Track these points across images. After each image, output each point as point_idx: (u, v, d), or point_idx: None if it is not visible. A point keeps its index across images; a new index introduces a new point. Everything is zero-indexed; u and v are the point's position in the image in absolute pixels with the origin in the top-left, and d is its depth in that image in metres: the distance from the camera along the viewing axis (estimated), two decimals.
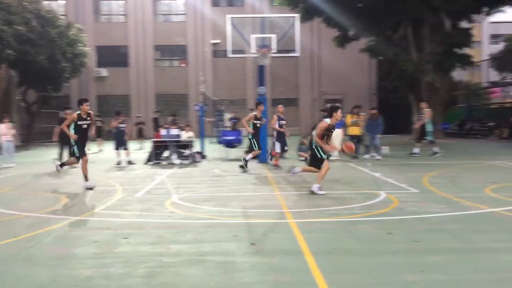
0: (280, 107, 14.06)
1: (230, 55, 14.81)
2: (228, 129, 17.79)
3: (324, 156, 8.58)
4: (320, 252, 4.89)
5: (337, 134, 15.65)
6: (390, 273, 4.27)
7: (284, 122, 13.87)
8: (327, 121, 8.59)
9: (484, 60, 37.61)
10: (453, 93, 35.35)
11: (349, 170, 12.55)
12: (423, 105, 16.85)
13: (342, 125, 15.66)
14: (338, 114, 8.57)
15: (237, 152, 16.67)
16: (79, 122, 9.70)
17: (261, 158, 14.54)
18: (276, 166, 13.21)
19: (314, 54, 37.69)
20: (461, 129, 30.69)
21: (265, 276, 4.24)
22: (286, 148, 13.68)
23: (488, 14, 27.82)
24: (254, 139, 12.96)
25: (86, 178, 9.79)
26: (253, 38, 14.18)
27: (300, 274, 4.27)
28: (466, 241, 5.34)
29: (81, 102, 9.86)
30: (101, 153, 20.03)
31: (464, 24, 27.21)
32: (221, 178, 11.45)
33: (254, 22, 15.17)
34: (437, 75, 25.18)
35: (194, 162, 15.05)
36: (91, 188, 9.63)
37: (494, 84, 36.30)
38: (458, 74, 35.45)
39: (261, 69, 14.95)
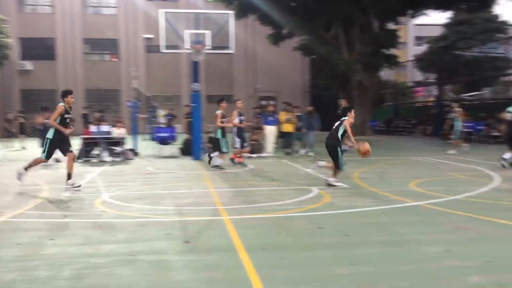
0: (239, 103, 13.89)
1: (163, 50, 14.53)
2: (162, 125, 17.44)
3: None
4: (254, 248, 4.92)
5: (272, 131, 15.88)
6: (321, 267, 4.36)
7: (243, 117, 13.69)
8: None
9: (409, 61, 39.48)
10: (381, 92, 36.88)
11: (283, 167, 12.74)
12: (343, 102, 17.16)
13: (277, 122, 15.90)
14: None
15: (171, 149, 16.42)
16: (65, 115, 8.89)
17: (195, 156, 14.42)
18: (241, 163, 12.96)
19: (249, 51, 37.85)
20: (388, 127, 32.06)
21: (198, 274, 4.20)
22: (245, 144, 13.51)
23: (413, 16, 29.30)
24: (224, 139, 12.46)
25: (69, 176, 8.95)
26: (187, 33, 14.00)
27: (234, 271, 4.27)
28: (393, 234, 5.58)
29: (65, 94, 9.05)
30: (24, 150, 19.00)
31: (391, 26, 28.46)
32: (154, 176, 11.22)
33: (188, 18, 14.96)
34: (367, 74, 26.16)
35: (126, 159, 14.64)
36: (77, 187, 8.93)
37: (418, 83, 38.24)
38: (386, 74, 37.02)
39: (195, 65, 14.80)
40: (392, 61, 26.93)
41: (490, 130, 21.33)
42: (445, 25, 37.36)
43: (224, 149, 12.38)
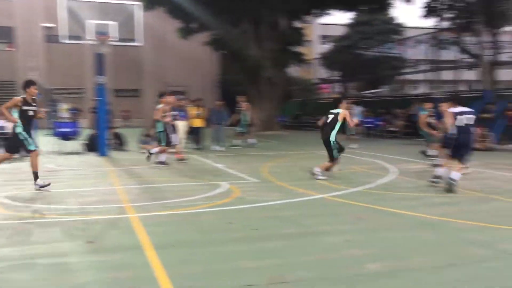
0: (173, 98, 13.47)
1: (64, 41, 13.73)
2: (64, 120, 16.51)
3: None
4: (162, 246, 4.84)
5: (182, 126, 15.69)
6: (230, 261, 4.41)
7: (176, 113, 13.27)
8: None
9: (315, 59, 41.03)
10: (289, 88, 37.96)
11: (192, 162, 12.65)
12: (241, 98, 17.42)
13: (186, 117, 15.75)
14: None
15: (74, 145, 15.62)
16: (24, 108, 8.02)
17: (101, 152, 13.86)
18: (181, 159, 12.56)
19: (158, 44, 37.04)
20: (296, 122, 33.08)
21: (103, 274, 4.05)
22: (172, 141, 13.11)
23: (318, 16, 30.48)
24: (165, 133, 11.91)
25: (36, 176, 8.14)
26: (91, 24, 13.37)
27: (141, 270, 4.17)
28: (299, 226, 5.78)
29: (27, 84, 8.16)
30: None
31: (297, 24, 29.37)
32: (56, 173, 10.61)
33: (92, 7, 14.25)
34: (275, 70, 26.76)
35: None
36: (46, 186, 8.14)
37: (324, 80, 39.90)
38: (293, 70, 38.15)
39: (99, 57, 14.18)
40: (299, 58, 27.82)
41: (387, 125, 22.80)
42: (348, 25, 39.34)
43: (163, 143, 11.98)
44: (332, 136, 9.48)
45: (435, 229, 5.63)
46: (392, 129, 22.68)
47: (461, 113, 8.51)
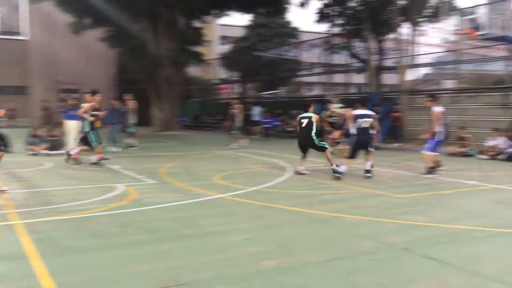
0: (98, 96, 12.46)
1: None
2: None
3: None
4: (50, 254, 4.53)
5: (74, 126, 14.85)
6: (124, 266, 4.25)
7: (97, 112, 12.32)
8: None
9: (214, 59, 41.13)
10: (189, 87, 37.63)
11: (87, 164, 12.03)
12: (128, 96, 16.90)
13: (79, 117, 14.93)
14: None
15: None
16: None
17: None
18: (101, 160, 11.68)
19: (49, 39, 34.68)
20: (196, 122, 32.92)
21: None
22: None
23: (217, 16, 30.61)
24: (93, 132, 11.37)
25: None
26: None
27: (25, 280, 3.86)
28: (197, 227, 5.73)
29: None
30: None
31: (197, 24, 29.23)
32: None
33: None
34: (173, 70, 26.38)
35: None
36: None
37: (223, 81, 40.15)
38: (193, 70, 37.92)
39: None
40: (198, 58, 27.69)
41: (284, 126, 23.52)
42: (247, 27, 39.95)
43: (94, 143, 11.40)
44: (314, 137, 9.97)
45: (328, 224, 5.90)
46: (289, 129, 23.44)
47: (362, 116, 9.47)
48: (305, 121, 10.22)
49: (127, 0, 23.18)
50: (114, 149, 15.09)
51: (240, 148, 16.32)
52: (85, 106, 11.61)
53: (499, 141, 13.89)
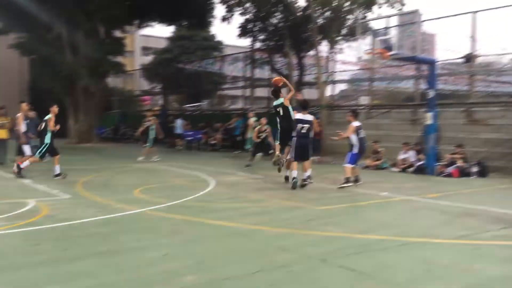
0: (25, 105, 11.46)
1: None
2: None
3: None
4: None
5: None
6: (35, 287, 4.00)
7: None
8: None
9: (136, 70, 40.28)
10: (109, 98, 36.45)
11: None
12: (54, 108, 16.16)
13: None
14: None
15: None
16: None
17: None
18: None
19: None
20: (116, 134, 31.91)
21: None
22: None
23: (139, 27, 30.05)
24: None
25: None
26: None
27: None
28: (114, 243, 5.53)
29: None
30: None
31: (118, 33, 28.49)
32: None
33: None
34: (93, 80, 25.46)
35: None
36: None
37: (145, 92, 39.35)
38: (114, 81, 36.81)
39: None
40: (119, 69, 26.93)
41: (208, 139, 23.47)
42: (169, 39, 39.59)
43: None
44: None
45: (249, 237, 5.94)
46: (211, 142, 23.41)
47: (300, 121, 9.92)
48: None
49: (43, 6, 22.13)
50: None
51: (153, 162, 15.83)
52: (52, 119, 11.51)
53: (409, 155, 14.80)
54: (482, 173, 13.54)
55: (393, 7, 18.10)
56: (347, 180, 10.45)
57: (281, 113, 10.06)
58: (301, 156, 10.24)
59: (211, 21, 27.87)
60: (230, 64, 29.85)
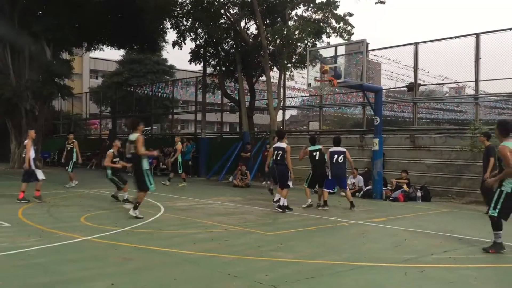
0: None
1: None
2: None
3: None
4: None
5: None
6: None
7: None
8: None
9: (84, 92, 39.36)
10: (54, 122, 35.31)
11: None
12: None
13: None
14: None
15: None
16: None
17: None
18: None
19: None
20: (61, 158, 30.83)
21: None
22: None
23: (88, 49, 29.47)
24: None
25: None
26: None
27: None
28: (57, 274, 5.26)
29: None
30: None
31: (65, 55, 27.81)
32: None
33: None
34: (37, 103, 24.59)
35: None
36: None
37: (94, 116, 38.43)
38: (60, 104, 35.77)
39: None
40: (66, 92, 26.16)
41: (158, 163, 23.10)
42: (119, 62, 39.10)
43: None
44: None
45: (199, 264, 5.82)
46: (162, 166, 23.06)
47: (276, 148, 10.25)
48: (318, 154, 11.26)
49: None
50: None
51: (71, 187, 15.28)
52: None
53: (357, 180, 15.14)
54: (426, 197, 14.04)
55: (341, 37, 18.71)
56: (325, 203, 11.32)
57: (317, 157, 11.36)
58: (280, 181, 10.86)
59: (162, 45, 27.77)
60: (182, 88, 29.73)
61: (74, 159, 15.93)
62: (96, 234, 7.47)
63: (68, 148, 16.15)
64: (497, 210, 6.56)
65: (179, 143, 17.69)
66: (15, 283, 4.81)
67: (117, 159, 11.96)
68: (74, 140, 16.25)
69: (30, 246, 6.49)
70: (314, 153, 11.44)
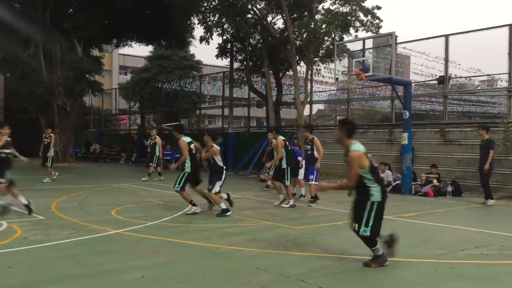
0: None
1: None
2: None
3: None
4: None
5: None
6: None
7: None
8: None
9: (114, 88, 40.03)
10: (85, 117, 36.03)
11: None
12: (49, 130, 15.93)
13: None
14: None
15: None
16: None
17: None
18: None
19: None
20: (92, 153, 31.51)
21: None
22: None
23: (117, 46, 29.96)
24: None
25: None
26: None
27: None
28: (89, 266, 5.40)
29: None
30: None
31: (95, 52, 28.35)
32: None
33: None
34: (69, 99, 25.17)
35: None
36: None
37: (123, 111, 39.08)
38: (90, 100, 36.48)
39: None
40: (96, 88, 26.70)
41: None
42: (148, 58, 39.54)
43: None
44: None
45: (227, 258, 5.89)
46: None
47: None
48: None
49: (19, 24, 21.93)
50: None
51: (49, 182, 14.97)
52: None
53: (386, 174, 14.96)
54: (457, 193, 13.78)
55: (369, 30, 18.48)
56: (313, 198, 10.97)
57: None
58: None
59: (190, 41, 27.98)
60: (209, 83, 29.90)
61: (52, 154, 15.35)
62: (126, 227, 7.62)
63: (45, 143, 15.47)
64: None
65: (157, 136, 17.19)
66: (51, 275, 4.97)
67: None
68: (52, 135, 15.68)
69: (63, 239, 6.68)
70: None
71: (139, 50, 60.46)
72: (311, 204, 10.70)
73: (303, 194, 12.13)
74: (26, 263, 5.41)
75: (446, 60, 16.29)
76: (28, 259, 5.61)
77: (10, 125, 9.31)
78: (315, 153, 10.87)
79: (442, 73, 16.49)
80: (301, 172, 11.87)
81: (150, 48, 36.78)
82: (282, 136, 10.83)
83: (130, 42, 28.91)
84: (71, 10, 25.62)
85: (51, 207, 9.72)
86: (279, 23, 21.97)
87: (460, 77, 17.62)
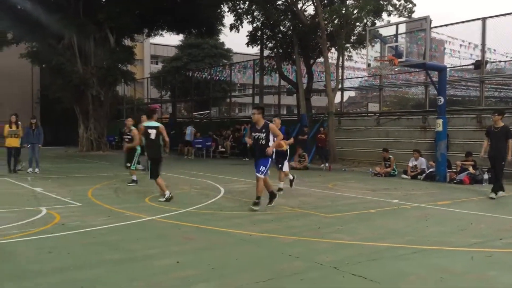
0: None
1: None
2: None
3: None
4: None
5: None
6: None
7: None
8: None
9: (145, 78, 40.54)
10: (118, 107, 36.69)
11: (6, 186, 11.34)
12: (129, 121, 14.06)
13: None
14: None
15: None
16: None
17: None
18: None
19: None
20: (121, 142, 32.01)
21: None
22: None
23: (148, 35, 30.29)
24: None
25: None
26: None
27: None
28: (125, 251, 5.54)
29: None
30: None
31: (127, 42, 28.76)
32: None
33: None
34: (102, 88, 25.67)
35: None
36: None
37: (155, 100, 39.59)
38: (123, 89, 37.10)
39: None
40: (128, 77, 27.14)
41: (216, 146, 23.53)
42: (178, 47, 39.84)
43: None
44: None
45: (260, 245, 5.93)
46: (221, 149, 23.46)
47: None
48: (152, 132, 9.53)
49: (54, 15, 22.43)
50: (36, 170, 14.38)
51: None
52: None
53: (420, 162, 14.71)
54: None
55: (402, 15, 18.07)
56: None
57: (152, 136, 9.46)
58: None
59: (220, 29, 28.02)
60: (239, 71, 29.92)
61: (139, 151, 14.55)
62: (160, 214, 7.76)
63: (126, 140, 15.06)
64: None
65: (133, 127, 13.37)
66: (92, 259, 5.11)
67: None
68: (133, 128, 15.22)
69: (100, 225, 6.86)
70: (149, 131, 9.47)
71: (170, 40, 60.84)
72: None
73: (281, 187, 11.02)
74: (65, 248, 5.58)
75: (483, 44, 15.80)
76: (67, 244, 5.79)
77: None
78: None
79: (478, 58, 16.01)
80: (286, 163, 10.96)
81: (180, 37, 37.06)
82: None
83: (161, 32, 29.20)
84: (103, 1, 26.02)
85: (87, 194, 9.98)
86: (310, 9, 21.77)
87: (499, 62, 17.06)
